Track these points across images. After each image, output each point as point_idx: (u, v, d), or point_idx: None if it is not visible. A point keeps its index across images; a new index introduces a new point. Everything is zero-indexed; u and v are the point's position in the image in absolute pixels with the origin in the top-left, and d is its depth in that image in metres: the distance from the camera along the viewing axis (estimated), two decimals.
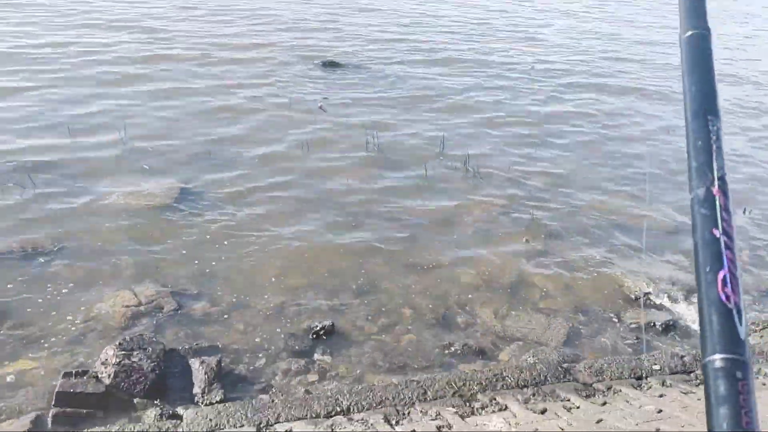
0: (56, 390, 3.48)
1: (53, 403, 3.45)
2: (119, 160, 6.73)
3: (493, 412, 3.37)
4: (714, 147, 0.82)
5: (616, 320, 4.79)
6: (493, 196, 6.70)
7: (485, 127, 8.63)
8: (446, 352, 4.24)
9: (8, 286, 4.47)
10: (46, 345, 3.94)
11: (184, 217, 5.70)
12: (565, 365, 3.91)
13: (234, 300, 4.59)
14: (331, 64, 10.69)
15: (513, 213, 6.40)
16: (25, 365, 3.76)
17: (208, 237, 5.40)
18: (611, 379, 3.75)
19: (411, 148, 7.81)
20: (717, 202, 0.77)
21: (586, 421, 3.27)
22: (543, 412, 3.37)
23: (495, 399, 3.48)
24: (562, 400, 3.50)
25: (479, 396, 3.52)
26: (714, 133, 0.83)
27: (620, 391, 3.61)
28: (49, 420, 3.36)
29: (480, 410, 3.39)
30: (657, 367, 3.93)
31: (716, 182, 0.79)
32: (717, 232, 0.75)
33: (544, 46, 13.78)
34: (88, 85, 8.69)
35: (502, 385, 3.65)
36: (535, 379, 3.71)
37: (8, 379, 3.63)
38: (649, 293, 5.15)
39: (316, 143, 7.57)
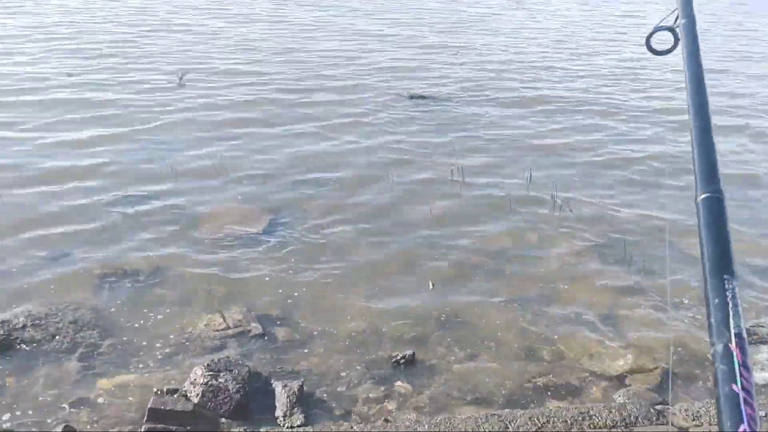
0: (149, 406, 3.64)
1: (145, 418, 3.61)
2: (216, 192, 7.07)
3: None
4: (730, 305, 0.86)
5: None
6: (582, 231, 6.50)
7: (577, 167, 8.41)
8: (530, 386, 4.11)
9: (110, 305, 4.76)
10: (141, 362, 4.14)
11: (272, 245, 5.89)
12: (658, 407, 3.68)
13: (316, 326, 4.66)
14: (420, 98, 10.87)
15: (603, 249, 6.17)
16: (121, 380, 3.97)
17: (293, 265, 5.54)
18: (710, 425, 3.50)
19: (497, 182, 7.74)
20: (735, 359, 0.81)
21: None
22: None
23: None
24: None
25: None
26: (730, 292, 0.88)
27: None
28: None
29: None
30: (762, 413, 3.63)
31: (734, 339, 0.82)
32: (736, 388, 0.78)
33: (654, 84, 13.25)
34: (192, 127, 9.21)
35: (589, 425, 3.48)
36: (624, 420, 3.52)
37: (106, 392, 3.84)
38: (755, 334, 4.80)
39: (402, 173, 7.65)
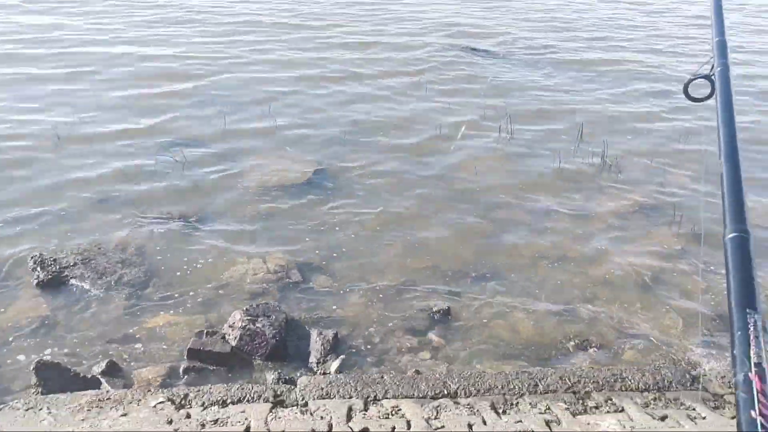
0: (188, 346, 3.79)
1: (186, 357, 3.76)
2: (265, 141, 7.15)
3: (608, 412, 3.20)
4: (752, 337, 0.94)
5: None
6: (629, 192, 6.32)
7: (630, 132, 8.11)
8: (564, 346, 4.09)
9: (156, 248, 4.92)
10: (183, 304, 4.29)
11: (317, 196, 5.94)
12: (694, 372, 3.62)
13: (355, 277, 4.72)
14: (477, 51, 10.65)
15: (650, 211, 5.99)
16: (165, 320, 4.12)
17: (336, 216, 5.59)
18: None
19: (545, 139, 7.56)
20: (754, 387, 0.88)
21: None
22: (663, 418, 3.14)
23: (611, 399, 3.30)
24: (686, 409, 3.25)
25: (594, 395, 3.36)
26: (752, 325, 0.96)
27: None
28: (181, 371, 3.67)
29: (593, 409, 3.24)
30: None
31: (753, 368, 0.90)
32: (755, 414, 0.85)
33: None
34: (246, 72, 9.28)
35: (621, 386, 3.45)
36: (658, 383, 3.47)
37: (149, 331, 4.00)
38: None
39: (449, 131, 7.55)
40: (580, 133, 7.44)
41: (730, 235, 1.14)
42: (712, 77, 1.65)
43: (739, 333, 0.96)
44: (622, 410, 3.21)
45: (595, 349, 4.06)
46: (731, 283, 1.04)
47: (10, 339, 3.86)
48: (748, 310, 0.98)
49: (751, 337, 0.94)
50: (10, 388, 3.44)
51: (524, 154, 7.16)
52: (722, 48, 1.72)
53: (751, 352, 0.92)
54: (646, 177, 6.72)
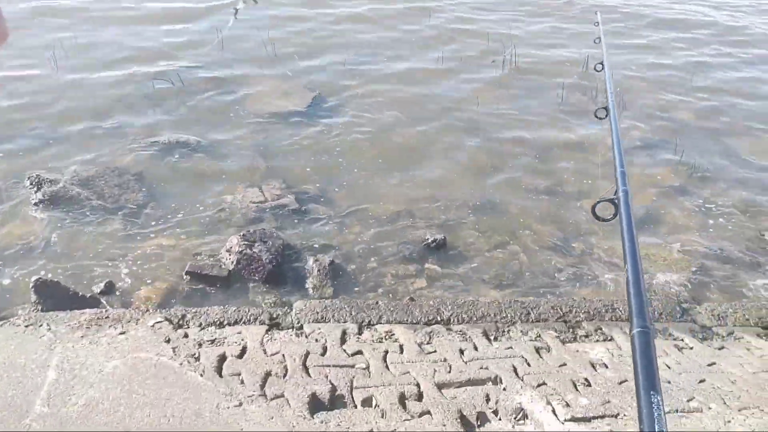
0: (186, 269, 3.83)
1: (184, 279, 3.81)
2: (264, 67, 7.02)
3: (597, 341, 3.26)
4: (655, 415, 1.15)
5: (756, 268, 4.39)
6: (634, 129, 6.24)
7: (637, 54, 7.94)
8: (557, 277, 4.13)
9: (155, 172, 4.90)
10: (181, 228, 4.31)
11: (315, 124, 5.88)
12: (684, 305, 3.67)
13: (352, 205, 4.72)
14: None
15: (653, 147, 5.94)
16: (162, 242, 4.15)
17: (334, 144, 5.54)
18: (734, 325, 3.47)
19: (550, 67, 7.41)
20: None
21: (696, 362, 3.07)
22: None
23: (601, 329, 3.36)
24: (674, 339, 3.31)
25: (584, 324, 3.42)
26: (655, 405, 1.16)
27: (742, 338, 3.34)
28: (179, 293, 3.73)
29: (583, 338, 3.30)
30: None
31: None
32: None
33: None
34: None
35: (611, 317, 3.50)
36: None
37: (147, 253, 4.03)
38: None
39: (451, 58, 7.40)
40: (586, 62, 7.30)
41: (636, 330, 1.32)
42: (616, 201, 2.00)
43: (645, 411, 1.15)
44: (611, 339, 3.27)
45: (588, 281, 4.11)
46: (638, 370, 1.23)
47: (9, 258, 3.89)
48: (652, 393, 1.17)
49: (655, 415, 1.13)
50: (10, 306, 3.50)
51: (527, 81, 7.03)
52: (623, 177, 2.14)
53: (655, 427, 1.11)
54: (651, 112, 6.63)
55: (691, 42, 8.81)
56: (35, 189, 4.43)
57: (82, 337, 2.93)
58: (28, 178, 4.55)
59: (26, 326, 3.01)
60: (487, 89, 6.87)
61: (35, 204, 4.33)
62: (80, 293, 3.54)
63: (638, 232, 4.75)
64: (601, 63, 3.52)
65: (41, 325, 3.01)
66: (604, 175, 5.12)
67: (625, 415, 2.65)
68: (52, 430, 2.32)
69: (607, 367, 3.01)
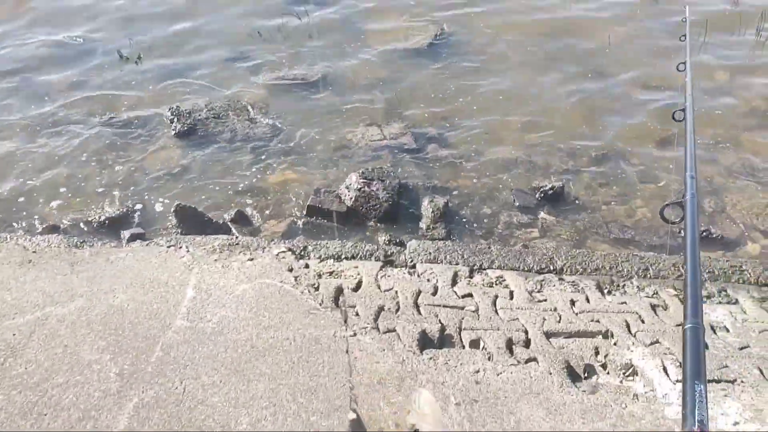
0: (307, 203, 4.03)
1: (305, 212, 4.01)
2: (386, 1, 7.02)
3: (720, 303, 3.13)
4: (697, 401, 1.27)
5: None
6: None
7: None
8: (680, 234, 3.95)
9: (281, 108, 5.12)
10: (304, 163, 4.51)
11: (437, 62, 5.84)
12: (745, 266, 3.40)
13: (471, 148, 4.71)
14: None
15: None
16: (287, 176, 4.38)
17: (453, 84, 5.49)
18: None
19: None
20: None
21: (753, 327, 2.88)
22: None
23: (725, 290, 3.21)
24: (730, 303, 3.11)
25: (708, 285, 3.27)
26: (698, 393, 1.29)
27: None
28: (300, 226, 3.94)
29: (705, 299, 3.17)
30: None
31: (697, 424, 1.23)
32: None
33: None
34: None
35: (738, 279, 3.33)
36: None
37: (273, 185, 4.28)
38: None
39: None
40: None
41: (688, 326, 1.47)
42: (683, 204, 2.12)
43: (689, 397, 1.27)
44: (736, 302, 3.12)
45: (718, 239, 3.90)
46: (687, 360, 1.36)
47: (152, 183, 4.27)
48: (696, 382, 1.29)
49: (697, 401, 1.25)
50: (154, 227, 3.86)
51: (661, 28, 6.54)
52: (693, 181, 2.24)
53: (696, 412, 1.23)
54: None
55: None
56: (174, 120, 4.77)
57: (215, 260, 3.20)
58: (169, 109, 4.89)
59: (168, 247, 3.33)
60: (618, 29, 6.46)
61: (175, 135, 4.68)
62: (214, 219, 3.84)
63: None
64: (684, 63, 3.23)
65: (181, 247, 3.32)
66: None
67: (743, 381, 2.56)
68: (191, 341, 2.60)
69: (728, 330, 2.89)
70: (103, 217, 3.90)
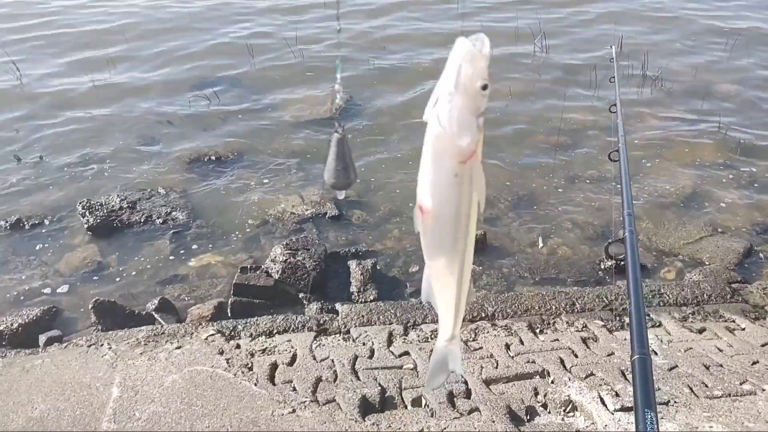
0: (234, 281, 3.94)
1: (232, 292, 3.92)
2: (293, 74, 7.17)
3: (648, 327, 3.23)
4: (648, 429, 1.35)
5: None
6: (675, 109, 6.14)
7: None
8: (602, 267, 4.10)
9: (197, 190, 5.05)
10: (226, 242, 4.44)
11: (349, 130, 5.95)
12: (734, 285, 3.60)
13: (391, 209, 4.77)
14: None
15: (698, 124, 5.83)
16: (210, 258, 4.28)
17: (370, 149, 5.60)
18: None
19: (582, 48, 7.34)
20: None
21: (748, 343, 3.03)
22: (701, 331, 3.17)
23: (648, 315, 3.33)
24: (725, 321, 3.26)
25: None
26: (649, 421, 1.36)
27: None
28: (228, 307, 3.84)
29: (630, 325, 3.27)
30: None
31: None
32: None
33: None
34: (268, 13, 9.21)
35: (659, 302, 3.47)
36: (696, 297, 3.48)
37: (196, 269, 4.17)
38: None
39: None
40: (619, 45, 7.21)
41: (636, 357, 1.50)
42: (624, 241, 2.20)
43: (641, 426, 1.32)
44: (660, 325, 3.25)
45: None
46: (637, 389, 1.42)
47: (67, 282, 4.08)
48: (646, 410, 1.35)
49: (648, 429, 1.31)
50: (72, 327, 3.67)
51: (558, 78, 6.98)
52: (630, 219, 2.34)
53: None
54: (689, 92, 6.51)
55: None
56: (86, 214, 4.62)
57: (141, 353, 3.06)
58: (79, 203, 4.74)
59: (89, 346, 3.17)
60: (515, 81, 6.84)
61: (87, 229, 4.52)
62: (137, 311, 3.69)
63: (684, 210, 4.67)
64: (614, 104, 3.49)
65: (102, 345, 3.16)
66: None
67: (676, 401, 2.63)
68: None
69: (656, 353, 2.99)
70: (15, 324, 3.67)
